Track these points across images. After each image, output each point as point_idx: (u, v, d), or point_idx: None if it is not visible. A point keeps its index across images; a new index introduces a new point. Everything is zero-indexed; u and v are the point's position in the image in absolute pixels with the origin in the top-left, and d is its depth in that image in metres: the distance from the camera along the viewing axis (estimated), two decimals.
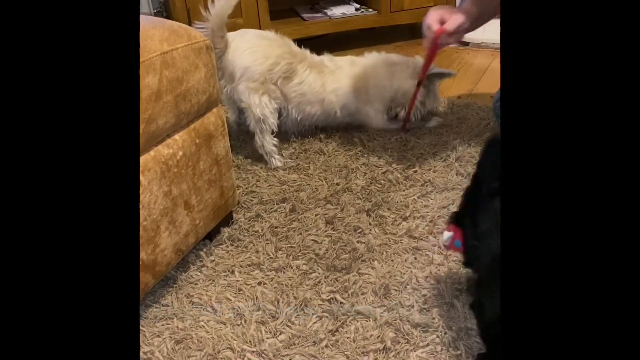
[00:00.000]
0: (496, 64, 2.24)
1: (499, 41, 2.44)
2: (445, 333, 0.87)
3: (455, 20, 1.23)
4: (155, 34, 0.88)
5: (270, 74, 1.46)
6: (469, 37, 2.53)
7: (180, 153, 0.94)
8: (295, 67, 1.51)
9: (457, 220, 0.85)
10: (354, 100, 1.58)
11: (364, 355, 0.84)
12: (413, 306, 0.93)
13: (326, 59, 1.60)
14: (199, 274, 1.05)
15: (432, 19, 1.25)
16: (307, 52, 1.58)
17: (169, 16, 2.29)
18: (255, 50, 1.46)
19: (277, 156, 1.48)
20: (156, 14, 2.34)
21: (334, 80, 1.56)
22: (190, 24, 2.20)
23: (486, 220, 0.74)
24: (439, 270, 1.02)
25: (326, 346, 0.87)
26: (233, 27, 2.25)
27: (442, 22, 1.24)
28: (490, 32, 2.47)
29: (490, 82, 2.01)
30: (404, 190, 1.30)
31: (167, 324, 0.93)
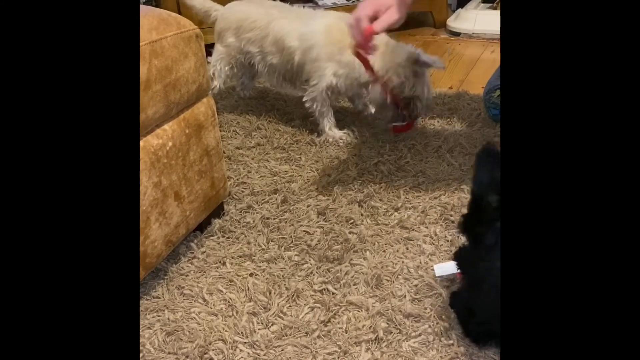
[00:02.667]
0: (487, 54, 2.24)
1: (490, 32, 2.44)
2: (437, 323, 0.87)
3: (388, 18, 1.06)
4: (144, 22, 0.86)
5: (237, 40, 1.61)
6: (460, 27, 2.53)
7: (170, 143, 0.93)
8: (261, 24, 1.56)
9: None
10: (319, 47, 1.47)
11: (356, 346, 0.84)
12: (405, 296, 0.93)
13: (314, 12, 1.63)
14: (190, 265, 1.05)
15: (364, 13, 1.07)
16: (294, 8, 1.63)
17: (158, 5, 2.26)
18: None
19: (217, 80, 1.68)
20: (145, 3, 2.31)
21: (306, 26, 1.50)
22: (180, 12, 2.17)
23: (489, 238, 0.73)
24: (430, 260, 1.02)
25: (318, 337, 0.86)
26: None
27: (375, 17, 1.06)
28: (482, 23, 2.48)
29: (481, 72, 2.01)
30: (395, 181, 1.30)
31: (158, 316, 0.93)
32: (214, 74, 1.67)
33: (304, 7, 1.70)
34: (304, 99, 1.55)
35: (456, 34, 2.53)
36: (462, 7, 2.71)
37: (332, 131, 1.54)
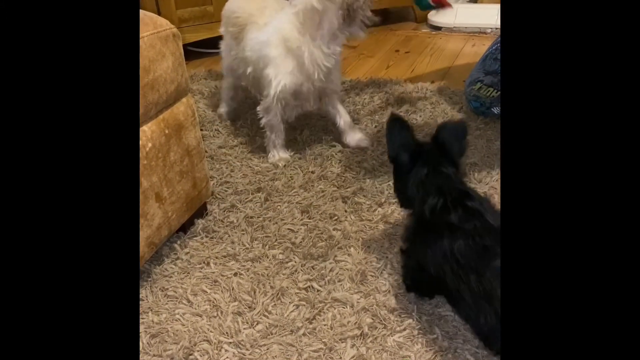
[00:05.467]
0: (468, 48, 2.25)
1: (471, 25, 2.45)
2: (421, 317, 0.88)
3: None
4: None
5: (226, 30, 1.50)
6: (441, 21, 2.54)
7: (150, 144, 0.92)
8: (244, 22, 1.40)
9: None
10: (265, 55, 1.33)
11: (342, 342, 0.85)
12: (389, 291, 0.94)
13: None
14: (173, 266, 1.04)
15: None
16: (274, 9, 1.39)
17: None
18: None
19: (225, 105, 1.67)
20: None
21: (262, 33, 1.34)
22: (159, 13, 2.15)
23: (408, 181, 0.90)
24: None
25: (304, 334, 0.86)
26: (203, 15, 2.21)
27: None
28: (462, 16, 2.49)
29: (462, 66, 2.02)
30: (379, 177, 1.30)
31: (142, 319, 0.92)
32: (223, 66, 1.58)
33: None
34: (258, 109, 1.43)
35: (437, 28, 2.54)
36: None
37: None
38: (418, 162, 0.88)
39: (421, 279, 0.89)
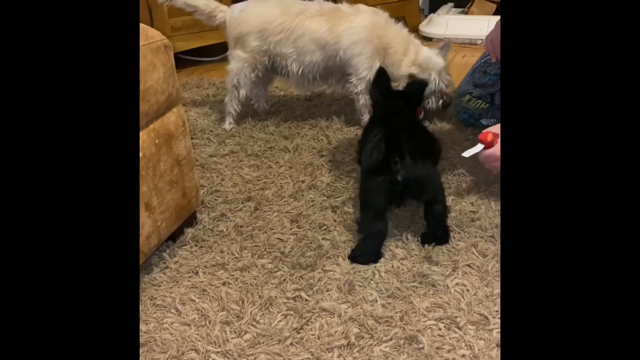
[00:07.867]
0: (459, 59, 2.28)
1: (461, 36, 2.48)
2: (408, 327, 0.88)
3: None
4: None
5: (263, 43, 1.59)
6: (432, 32, 2.57)
7: (140, 154, 0.93)
8: (290, 25, 1.57)
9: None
10: (363, 41, 1.57)
11: (329, 352, 0.85)
12: (376, 301, 0.95)
13: (344, 6, 1.65)
14: (162, 275, 1.04)
15: None
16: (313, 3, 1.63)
17: None
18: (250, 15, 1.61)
19: (231, 120, 1.70)
20: None
21: (347, 22, 1.58)
22: (152, 21, 2.16)
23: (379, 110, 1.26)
24: (401, 264, 1.03)
25: (291, 344, 0.87)
26: (195, 24, 2.22)
27: None
28: (453, 27, 2.52)
29: (452, 77, 2.04)
30: None
31: None
32: (238, 82, 1.64)
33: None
34: (354, 91, 1.63)
35: (428, 39, 2.56)
36: (434, 12, 2.75)
37: None
38: (388, 100, 1.22)
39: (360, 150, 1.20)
